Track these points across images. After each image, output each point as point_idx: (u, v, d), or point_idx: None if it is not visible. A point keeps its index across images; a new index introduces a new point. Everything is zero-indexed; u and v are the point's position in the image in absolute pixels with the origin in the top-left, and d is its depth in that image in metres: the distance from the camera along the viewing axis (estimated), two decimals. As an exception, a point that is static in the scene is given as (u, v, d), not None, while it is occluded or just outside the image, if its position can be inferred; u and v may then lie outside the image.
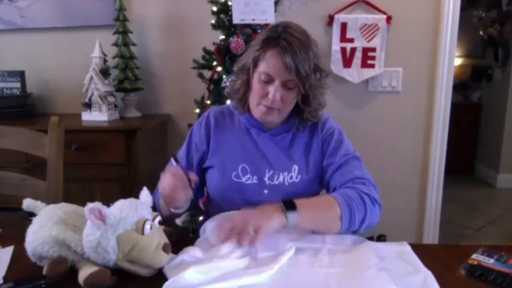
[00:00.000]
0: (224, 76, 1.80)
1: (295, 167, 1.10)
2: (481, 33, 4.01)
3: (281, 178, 1.09)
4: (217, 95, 1.83)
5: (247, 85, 1.08)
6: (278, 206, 0.91)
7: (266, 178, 1.09)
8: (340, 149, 1.10)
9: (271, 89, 1.01)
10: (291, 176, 1.09)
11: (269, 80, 1.02)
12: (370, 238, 0.97)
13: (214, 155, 1.14)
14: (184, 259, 0.83)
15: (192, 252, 0.85)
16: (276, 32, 1.01)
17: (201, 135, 1.16)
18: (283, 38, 0.99)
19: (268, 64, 1.01)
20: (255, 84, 1.05)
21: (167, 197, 0.96)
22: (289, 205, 0.90)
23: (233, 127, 1.16)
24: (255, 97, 1.06)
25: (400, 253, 0.90)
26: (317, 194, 1.15)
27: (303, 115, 1.10)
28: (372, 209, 0.98)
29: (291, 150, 1.12)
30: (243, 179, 1.09)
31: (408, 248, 0.91)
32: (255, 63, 1.04)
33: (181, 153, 1.19)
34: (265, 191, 1.09)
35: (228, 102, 1.78)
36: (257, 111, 1.07)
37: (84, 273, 0.78)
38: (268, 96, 1.02)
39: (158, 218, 0.86)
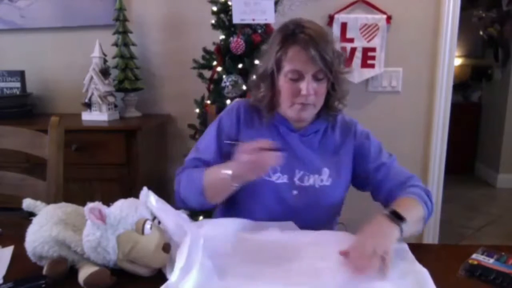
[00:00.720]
0: (224, 76, 1.79)
1: (325, 170, 1.08)
2: (481, 33, 4.01)
3: (311, 180, 1.07)
4: (217, 95, 1.83)
5: (272, 90, 1.06)
6: (387, 219, 0.88)
7: (296, 179, 1.07)
8: (382, 151, 1.13)
9: (303, 85, 0.99)
10: (322, 179, 1.07)
11: (298, 77, 1.00)
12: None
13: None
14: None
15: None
16: (290, 29, 1.00)
17: (232, 124, 1.12)
18: (300, 32, 0.98)
19: (294, 61, 0.99)
20: (284, 85, 1.02)
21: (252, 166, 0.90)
22: (395, 216, 0.89)
23: (262, 123, 1.12)
24: (287, 98, 1.03)
25: (398, 252, 0.90)
26: (342, 198, 1.14)
27: (329, 104, 1.09)
28: (432, 202, 1.03)
29: (322, 153, 1.10)
30: (273, 178, 1.06)
31: (405, 248, 0.91)
32: (278, 65, 1.02)
33: (206, 143, 1.12)
34: (294, 192, 1.06)
35: (228, 102, 1.78)
36: (291, 111, 1.04)
37: (84, 273, 0.78)
38: (301, 93, 1.00)
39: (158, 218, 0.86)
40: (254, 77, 1.13)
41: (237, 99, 1.72)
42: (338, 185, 1.10)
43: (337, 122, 1.15)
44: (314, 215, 1.06)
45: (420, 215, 0.97)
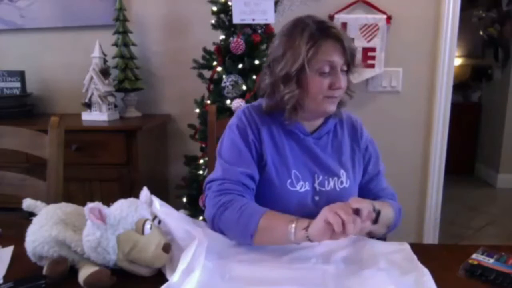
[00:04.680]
0: (224, 76, 1.80)
1: (343, 171, 1.07)
2: (481, 33, 4.01)
3: (331, 184, 1.06)
4: (217, 95, 1.83)
5: (300, 88, 1.01)
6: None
7: (316, 184, 1.05)
8: (379, 161, 1.17)
9: (335, 78, 0.98)
10: (341, 181, 1.07)
11: (329, 70, 0.98)
12: (371, 237, 0.97)
13: (267, 156, 1.04)
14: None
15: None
16: (314, 27, 0.97)
17: (253, 131, 1.05)
18: (327, 26, 0.98)
19: (328, 53, 0.97)
20: (315, 80, 0.99)
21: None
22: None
23: (276, 128, 1.07)
24: (319, 92, 1.00)
25: (399, 252, 0.90)
26: None
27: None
28: (400, 219, 1.12)
29: (336, 154, 1.09)
30: (297, 187, 1.03)
31: (407, 248, 0.92)
32: (309, 63, 0.97)
33: (240, 155, 1.03)
34: (316, 198, 1.05)
35: (228, 102, 1.78)
36: (323, 106, 1.02)
37: (84, 273, 0.78)
38: (335, 86, 0.99)
39: (158, 218, 0.87)
40: (268, 81, 1.05)
41: (238, 102, 1.73)
42: (354, 186, 1.10)
43: (343, 119, 1.15)
44: None
45: (389, 222, 1.04)
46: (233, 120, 1.10)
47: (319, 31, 0.97)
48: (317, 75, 0.98)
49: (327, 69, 0.98)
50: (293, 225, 0.85)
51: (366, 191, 1.13)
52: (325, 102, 1.01)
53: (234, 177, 1.00)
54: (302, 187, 1.03)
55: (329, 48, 0.97)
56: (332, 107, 1.03)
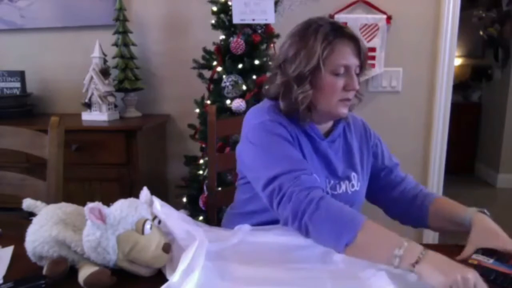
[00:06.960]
0: (224, 76, 1.79)
1: (354, 174, 1.07)
2: (481, 33, 4.01)
3: (343, 187, 1.05)
4: (217, 95, 1.83)
5: (314, 89, 0.99)
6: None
7: (328, 188, 1.04)
8: (391, 155, 1.19)
9: (349, 79, 0.98)
10: (352, 184, 1.06)
11: (343, 72, 0.98)
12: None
13: None
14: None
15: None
16: (327, 27, 0.97)
17: (285, 128, 1.01)
18: (340, 27, 0.98)
19: (343, 55, 0.97)
20: (330, 80, 0.98)
21: None
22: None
23: (295, 130, 1.03)
24: (333, 94, 0.99)
25: None
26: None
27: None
28: None
29: (347, 157, 1.09)
30: None
31: None
32: (324, 62, 0.96)
33: (292, 153, 0.97)
34: None
35: (228, 102, 1.78)
36: (336, 109, 1.01)
37: (84, 273, 0.78)
38: (350, 88, 0.98)
39: (158, 218, 0.87)
40: (280, 82, 1.03)
41: (238, 102, 1.72)
42: (364, 189, 1.10)
43: (350, 121, 1.14)
44: None
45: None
46: (258, 118, 1.02)
47: (334, 31, 0.97)
48: (332, 75, 0.98)
49: (342, 70, 0.97)
50: (401, 252, 0.76)
51: (387, 182, 1.13)
52: (339, 105, 1.01)
53: (303, 166, 0.94)
54: None
55: (344, 49, 0.97)
56: (345, 110, 1.02)
